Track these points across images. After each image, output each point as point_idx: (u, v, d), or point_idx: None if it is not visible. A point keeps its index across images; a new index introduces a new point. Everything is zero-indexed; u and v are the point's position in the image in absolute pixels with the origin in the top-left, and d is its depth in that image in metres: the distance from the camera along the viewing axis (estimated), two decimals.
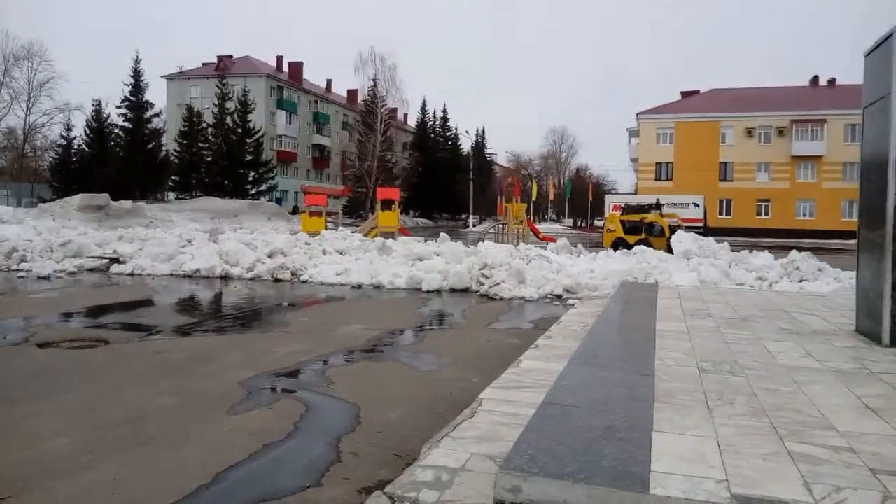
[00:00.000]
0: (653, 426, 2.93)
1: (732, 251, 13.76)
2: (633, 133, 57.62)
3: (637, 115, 54.32)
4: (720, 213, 49.66)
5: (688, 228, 18.87)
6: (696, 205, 42.46)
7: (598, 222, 59.60)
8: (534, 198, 37.31)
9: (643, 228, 22.75)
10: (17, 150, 57.09)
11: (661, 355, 4.55)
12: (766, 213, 50.45)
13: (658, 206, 25.71)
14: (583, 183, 68.61)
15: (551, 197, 77.30)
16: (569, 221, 69.99)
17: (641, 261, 12.92)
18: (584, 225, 60.90)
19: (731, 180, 51.00)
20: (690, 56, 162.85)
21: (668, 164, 52.40)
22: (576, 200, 66.09)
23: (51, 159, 48.76)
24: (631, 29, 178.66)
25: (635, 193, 52.81)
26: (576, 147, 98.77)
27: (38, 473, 3.19)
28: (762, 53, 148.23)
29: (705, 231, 36.39)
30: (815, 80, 57.27)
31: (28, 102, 54.94)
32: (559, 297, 10.48)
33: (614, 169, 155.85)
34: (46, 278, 11.67)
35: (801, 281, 11.26)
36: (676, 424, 2.99)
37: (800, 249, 13.01)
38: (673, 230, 20.35)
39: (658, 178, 52.35)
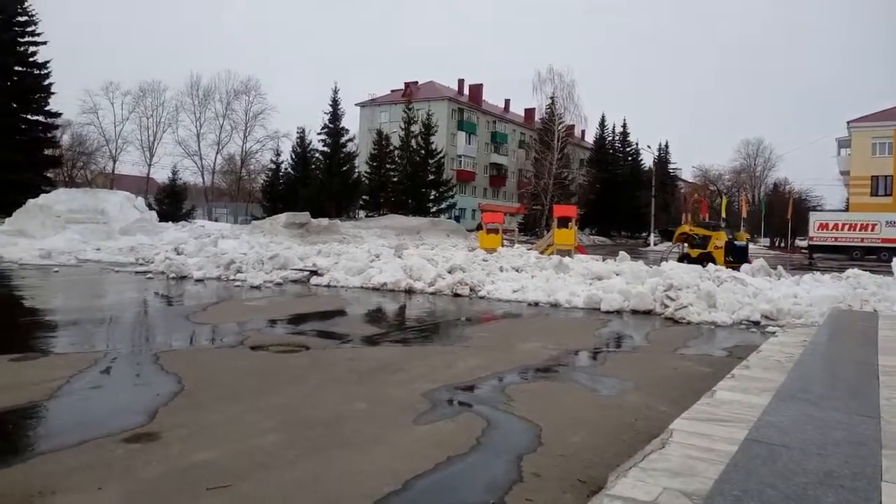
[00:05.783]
0: (882, 475, 2.55)
1: None
2: (844, 143, 51.46)
3: (848, 123, 48.56)
4: None
5: None
6: None
7: (799, 242, 53.94)
8: (724, 215, 34.53)
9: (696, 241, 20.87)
10: (236, 174, 65.14)
11: (886, 395, 3.98)
12: None
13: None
14: (781, 199, 62.63)
15: (744, 214, 71.54)
16: (765, 241, 64.17)
17: (856, 286, 11.47)
18: (782, 245, 55.40)
19: None
20: None
21: (886, 177, 46.14)
22: (773, 218, 60.38)
23: (262, 181, 54.80)
24: (837, 32, 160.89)
25: (846, 210, 47.15)
26: (773, 160, 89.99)
27: (252, 466, 3.53)
28: None
29: None
30: None
31: (245, 131, 62.91)
32: (756, 323, 9.62)
33: (819, 183, 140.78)
34: (258, 288, 13.04)
35: None
36: None
37: None
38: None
39: (874, 194, 46.26)
